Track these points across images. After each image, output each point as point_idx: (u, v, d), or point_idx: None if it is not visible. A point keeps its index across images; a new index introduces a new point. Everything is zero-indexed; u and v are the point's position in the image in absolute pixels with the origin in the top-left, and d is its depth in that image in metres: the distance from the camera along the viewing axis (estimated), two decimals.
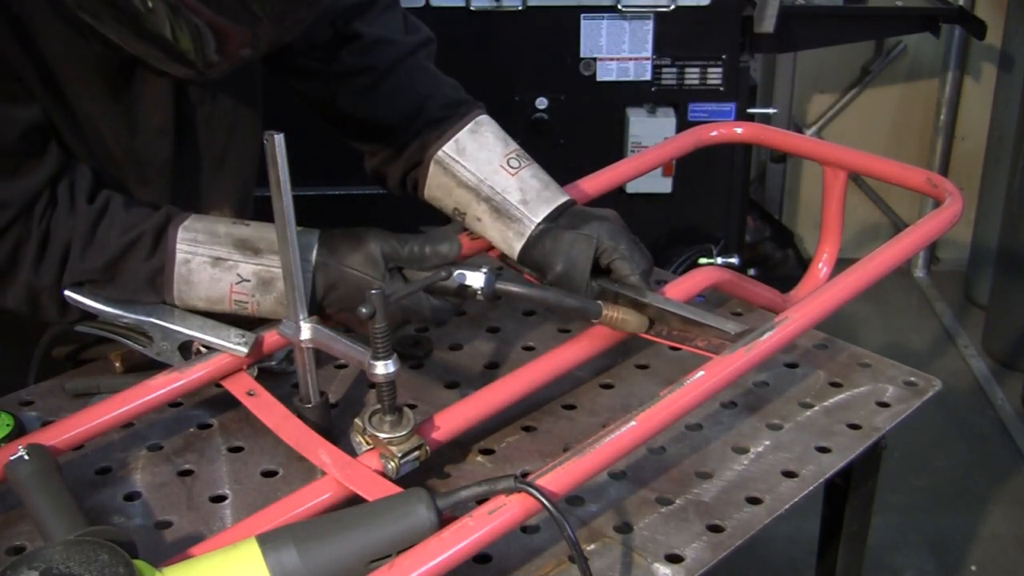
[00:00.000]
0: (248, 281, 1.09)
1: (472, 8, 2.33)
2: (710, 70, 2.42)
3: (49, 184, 1.10)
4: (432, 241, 1.10)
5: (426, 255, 1.09)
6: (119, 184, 1.17)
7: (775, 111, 2.72)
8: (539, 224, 1.15)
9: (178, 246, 1.09)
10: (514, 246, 1.17)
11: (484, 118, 1.23)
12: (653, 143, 1.71)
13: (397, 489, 0.93)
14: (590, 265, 1.13)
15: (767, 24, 2.39)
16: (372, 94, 1.26)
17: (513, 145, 1.22)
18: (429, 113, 1.23)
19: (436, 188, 1.22)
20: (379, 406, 0.99)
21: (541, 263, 1.15)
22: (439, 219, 1.25)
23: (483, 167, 1.19)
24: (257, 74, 1.31)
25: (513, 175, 1.18)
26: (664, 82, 2.43)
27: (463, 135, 1.21)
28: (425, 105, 1.24)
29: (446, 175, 1.20)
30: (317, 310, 1.09)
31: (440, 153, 1.20)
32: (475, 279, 1.07)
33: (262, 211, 1.11)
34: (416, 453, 0.98)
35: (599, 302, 1.12)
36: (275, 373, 1.18)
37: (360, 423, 1.00)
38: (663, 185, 2.46)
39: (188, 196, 1.23)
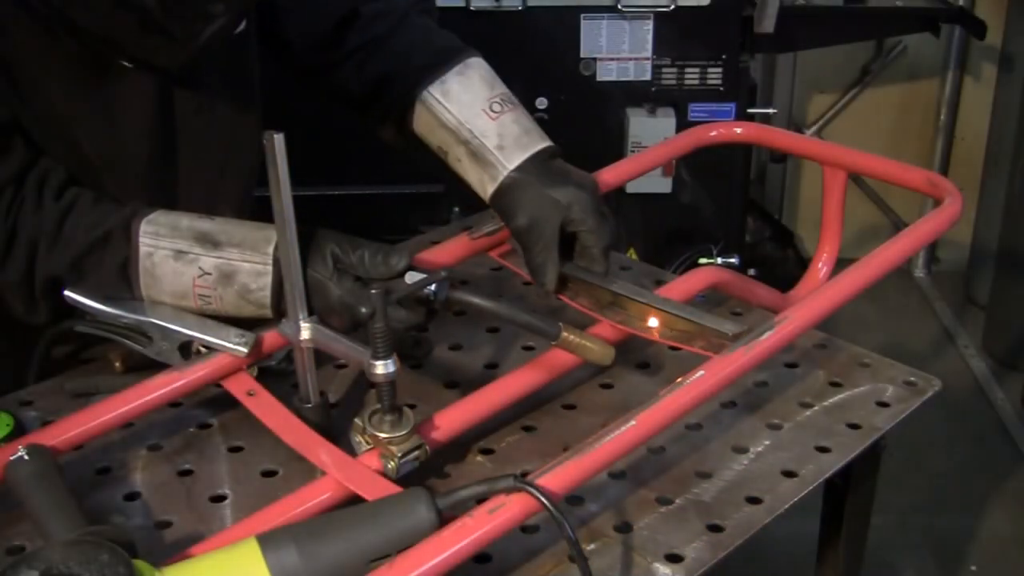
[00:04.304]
0: (210, 274, 1.08)
1: (472, 8, 2.32)
2: (710, 70, 2.42)
3: (15, 181, 1.10)
4: (383, 251, 1.05)
5: (376, 262, 1.04)
6: (96, 186, 1.16)
7: (775, 111, 2.72)
8: (511, 172, 1.15)
9: (141, 240, 1.09)
10: (487, 190, 1.17)
11: (474, 60, 1.23)
12: (653, 143, 1.71)
13: (397, 489, 0.93)
14: (557, 234, 1.13)
15: (767, 24, 2.39)
16: (371, 63, 1.27)
17: (500, 89, 1.21)
18: (420, 59, 1.23)
19: (420, 127, 1.23)
20: (379, 406, 0.99)
21: (506, 212, 1.16)
22: (439, 220, 1.25)
23: (464, 109, 1.19)
24: (255, 79, 1.31)
25: (494, 119, 1.17)
26: (664, 82, 2.43)
27: (450, 76, 1.21)
28: (414, 54, 1.24)
29: (429, 115, 1.21)
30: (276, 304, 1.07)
31: (425, 93, 1.21)
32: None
33: (262, 211, 1.10)
34: (416, 453, 0.98)
35: (559, 324, 1.07)
36: (275, 373, 1.18)
37: (360, 423, 1.00)
38: (663, 185, 2.45)
39: (176, 203, 1.20)
